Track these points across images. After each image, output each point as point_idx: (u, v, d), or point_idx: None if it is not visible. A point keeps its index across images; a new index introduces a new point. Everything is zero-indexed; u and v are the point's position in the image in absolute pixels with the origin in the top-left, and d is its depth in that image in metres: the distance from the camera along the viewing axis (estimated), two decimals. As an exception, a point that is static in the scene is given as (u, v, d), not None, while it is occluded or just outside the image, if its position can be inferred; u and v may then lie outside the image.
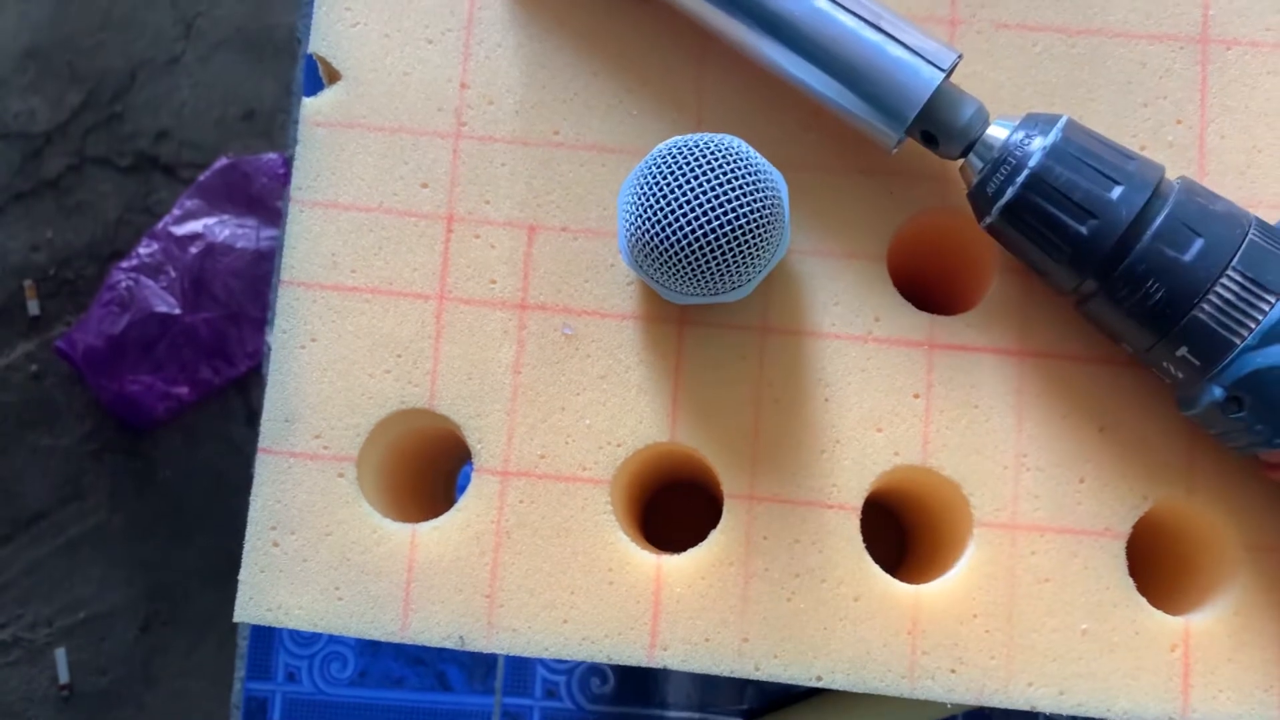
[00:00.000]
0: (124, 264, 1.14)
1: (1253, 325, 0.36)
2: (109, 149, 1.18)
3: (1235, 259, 0.36)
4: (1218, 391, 0.37)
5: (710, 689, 0.80)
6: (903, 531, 0.56)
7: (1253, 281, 0.36)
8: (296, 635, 0.83)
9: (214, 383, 1.07)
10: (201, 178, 1.15)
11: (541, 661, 0.81)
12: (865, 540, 0.41)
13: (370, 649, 0.84)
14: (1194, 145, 0.43)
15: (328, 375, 0.43)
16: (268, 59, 1.04)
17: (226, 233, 1.12)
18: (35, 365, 1.15)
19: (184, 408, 1.13)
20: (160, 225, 1.14)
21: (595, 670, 0.82)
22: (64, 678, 1.11)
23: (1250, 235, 0.37)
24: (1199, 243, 0.37)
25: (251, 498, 0.42)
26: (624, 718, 0.80)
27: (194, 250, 1.13)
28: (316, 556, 0.42)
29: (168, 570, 1.08)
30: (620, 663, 0.41)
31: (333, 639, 0.84)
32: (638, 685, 0.81)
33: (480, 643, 0.41)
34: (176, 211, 1.14)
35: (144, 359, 1.11)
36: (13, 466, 1.13)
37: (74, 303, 1.15)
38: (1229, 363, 0.36)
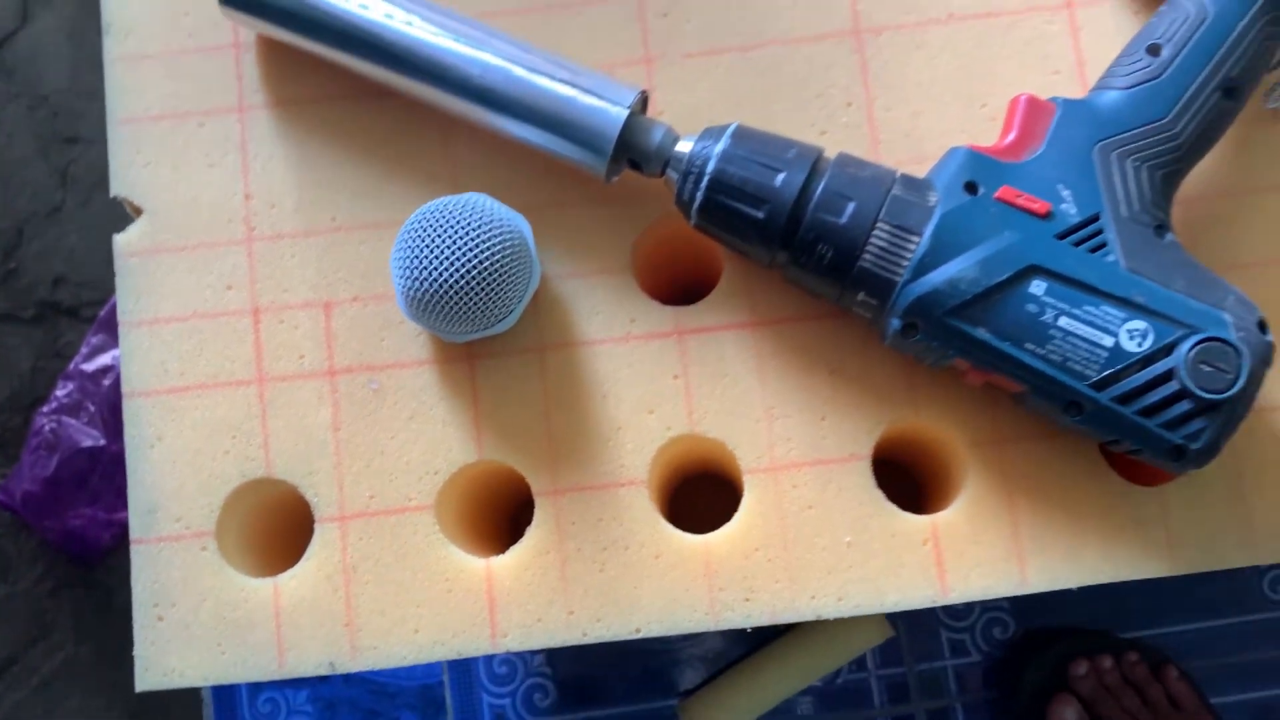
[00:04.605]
0: (45, 409, 1.20)
1: (906, 262, 0.44)
2: (11, 304, 1.24)
3: (882, 213, 0.44)
4: (896, 322, 0.44)
5: (647, 682, 0.87)
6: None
7: (899, 228, 0.44)
8: (256, 712, 0.89)
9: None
10: (102, 313, 1.22)
11: (485, 688, 0.88)
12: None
13: (328, 713, 0.90)
14: (864, 122, 0.51)
15: (177, 466, 0.49)
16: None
17: (134, 359, 1.19)
18: (-21, 521, 1.21)
19: (128, 531, 1.19)
20: (72, 366, 1.21)
21: (537, 686, 0.88)
22: (65, 812, 1.16)
23: (893, 191, 0.44)
24: (851, 205, 0.44)
25: (133, 583, 0.49)
26: (569, 724, 0.87)
27: (107, 382, 1.19)
28: (197, 621, 0.48)
29: (142, 687, 1.12)
30: (468, 655, 0.47)
31: (292, 710, 0.90)
32: (578, 690, 0.87)
33: (348, 665, 0.48)
34: (84, 350, 1.20)
35: (81, 493, 1.17)
36: (-24, 621, 1.19)
37: (5, 454, 1.21)
38: (896, 297, 0.44)
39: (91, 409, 1.18)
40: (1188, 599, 0.85)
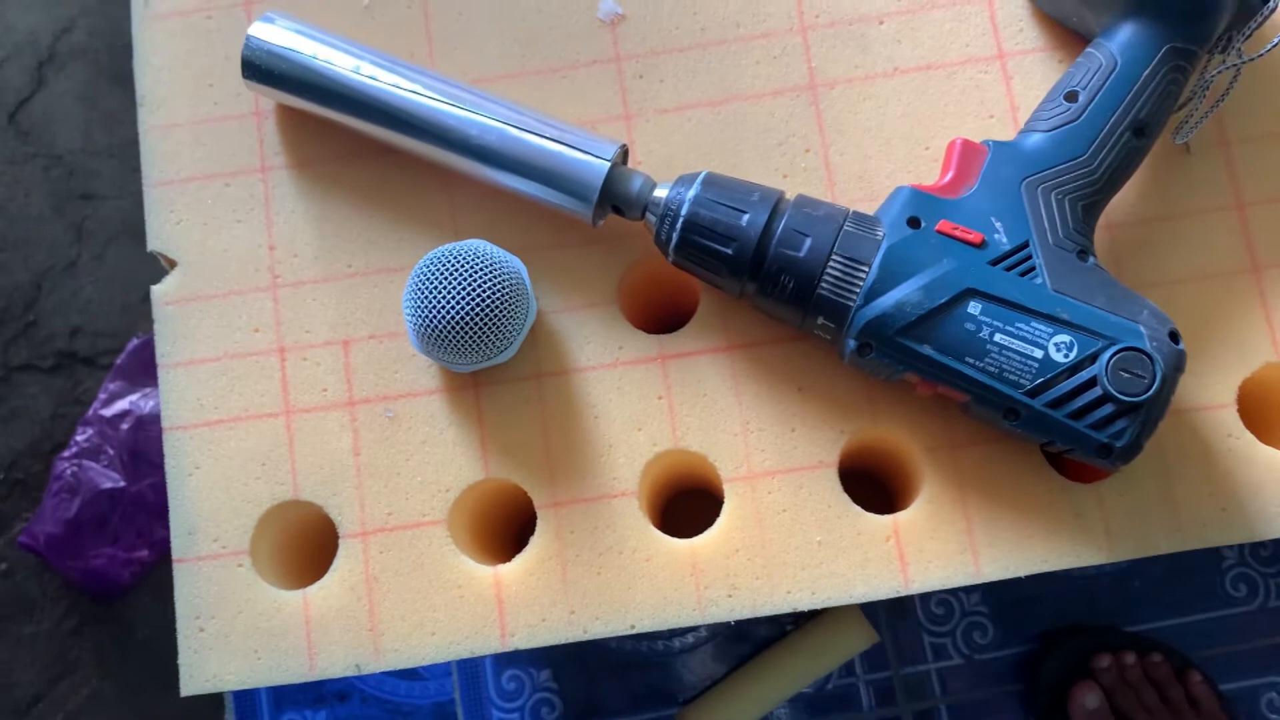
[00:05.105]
0: (65, 454, 1.25)
1: (858, 290, 0.49)
2: (30, 355, 1.30)
3: (835, 247, 0.50)
4: (852, 343, 0.50)
5: (648, 695, 0.91)
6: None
7: (850, 260, 0.50)
8: (277, 737, 0.94)
9: (170, 540, 1.18)
10: (119, 361, 1.28)
11: (494, 704, 0.92)
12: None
13: (345, 733, 0.94)
14: (821, 165, 0.57)
15: (213, 492, 0.55)
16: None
17: (150, 404, 1.24)
18: (4, 563, 1.26)
19: (147, 569, 1.24)
20: (91, 412, 1.26)
21: (544, 701, 0.93)
22: (90, 845, 1.20)
23: (845, 227, 0.50)
24: (808, 241, 0.50)
25: (175, 598, 0.54)
26: (575, 735, 0.91)
27: (125, 426, 1.24)
28: (234, 631, 0.53)
29: None
30: (481, 654, 0.52)
31: (310, 732, 0.94)
32: (583, 705, 0.92)
33: (372, 666, 0.53)
34: (102, 396, 1.26)
35: (101, 533, 1.22)
36: (2, 659, 1.23)
37: (28, 499, 1.26)
38: (850, 320, 0.50)
39: (110, 452, 1.24)
40: (1158, 599, 0.90)
